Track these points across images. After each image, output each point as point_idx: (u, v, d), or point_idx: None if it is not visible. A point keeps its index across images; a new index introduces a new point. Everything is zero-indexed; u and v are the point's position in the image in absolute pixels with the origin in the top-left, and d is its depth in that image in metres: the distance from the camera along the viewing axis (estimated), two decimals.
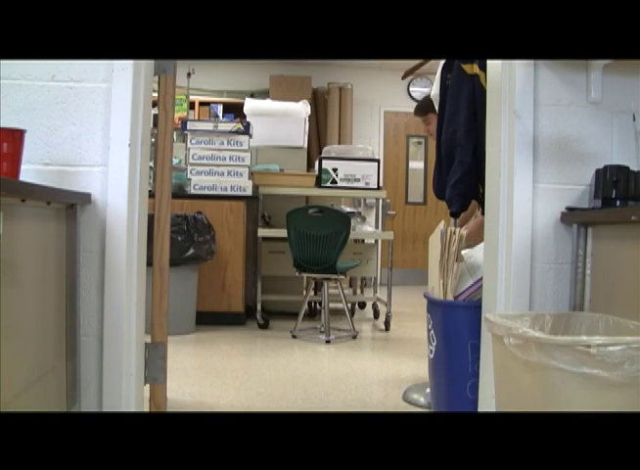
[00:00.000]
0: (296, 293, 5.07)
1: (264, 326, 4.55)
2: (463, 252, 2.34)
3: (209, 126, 4.57)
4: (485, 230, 2.16)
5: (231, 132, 4.56)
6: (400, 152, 8.05)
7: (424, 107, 3.36)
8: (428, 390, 2.59)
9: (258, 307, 4.59)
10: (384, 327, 4.66)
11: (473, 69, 2.46)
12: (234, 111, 6.98)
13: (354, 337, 4.29)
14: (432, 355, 2.40)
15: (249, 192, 4.56)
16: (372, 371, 3.41)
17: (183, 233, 3.99)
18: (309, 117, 5.50)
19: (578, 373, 1.30)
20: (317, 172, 4.85)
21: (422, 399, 2.69)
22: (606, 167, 1.96)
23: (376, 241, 5.33)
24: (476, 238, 3.19)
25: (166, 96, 2.19)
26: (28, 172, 1.84)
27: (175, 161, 4.59)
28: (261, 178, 4.75)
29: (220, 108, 7.27)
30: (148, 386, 2.17)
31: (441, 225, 2.39)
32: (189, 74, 6.06)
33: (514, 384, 1.51)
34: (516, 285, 1.96)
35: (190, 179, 4.51)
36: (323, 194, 4.86)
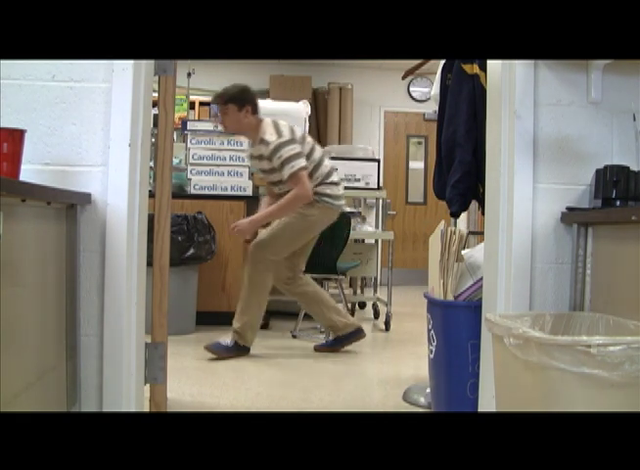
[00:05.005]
0: None
1: (264, 326, 4.54)
2: (463, 252, 2.34)
3: (209, 126, 4.57)
4: (485, 230, 2.16)
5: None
6: (400, 152, 8.04)
7: (225, 96, 3.35)
8: (428, 390, 2.59)
9: None
10: (384, 327, 4.66)
11: (473, 69, 2.46)
12: None
13: None
14: (432, 355, 2.40)
15: (249, 192, 4.56)
16: (372, 371, 3.41)
17: (183, 233, 3.99)
18: (309, 116, 5.49)
19: (578, 373, 1.30)
20: None
21: (422, 399, 2.69)
22: (606, 167, 1.96)
23: (376, 241, 5.33)
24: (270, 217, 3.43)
25: (166, 96, 2.19)
26: (28, 172, 1.84)
27: (175, 161, 4.58)
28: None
29: None
30: (148, 386, 2.17)
31: (441, 225, 2.39)
32: (189, 74, 6.05)
33: (514, 384, 1.51)
34: (516, 285, 1.96)
35: (190, 179, 4.51)
36: None
